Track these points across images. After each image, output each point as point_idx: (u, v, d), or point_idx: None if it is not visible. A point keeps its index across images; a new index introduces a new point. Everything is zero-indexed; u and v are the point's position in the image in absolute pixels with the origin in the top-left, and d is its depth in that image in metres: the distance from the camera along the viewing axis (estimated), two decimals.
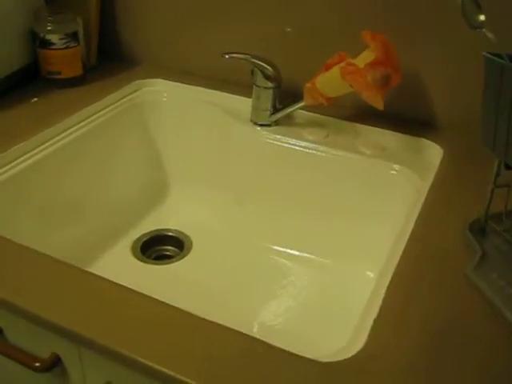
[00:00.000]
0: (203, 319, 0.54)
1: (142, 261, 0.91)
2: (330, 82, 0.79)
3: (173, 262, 0.91)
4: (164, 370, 0.49)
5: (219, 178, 0.97)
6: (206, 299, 0.81)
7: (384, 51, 0.75)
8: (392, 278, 0.59)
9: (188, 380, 0.48)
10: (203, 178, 0.98)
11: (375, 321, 0.54)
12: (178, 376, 0.49)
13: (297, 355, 0.50)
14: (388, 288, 0.58)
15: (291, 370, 0.49)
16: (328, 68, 0.80)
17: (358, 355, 0.50)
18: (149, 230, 0.96)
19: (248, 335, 0.52)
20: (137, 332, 0.53)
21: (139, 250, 0.92)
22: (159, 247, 0.95)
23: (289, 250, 0.91)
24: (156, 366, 0.50)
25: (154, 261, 0.92)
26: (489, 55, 0.54)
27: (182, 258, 0.91)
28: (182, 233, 0.96)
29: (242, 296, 0.85)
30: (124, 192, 0.96)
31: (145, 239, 0.94)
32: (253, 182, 0.93)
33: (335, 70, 0.77)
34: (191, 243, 0.94)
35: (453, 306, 0.56)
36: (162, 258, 0.93)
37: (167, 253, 0.94)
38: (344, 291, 0.84)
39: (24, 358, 0.61)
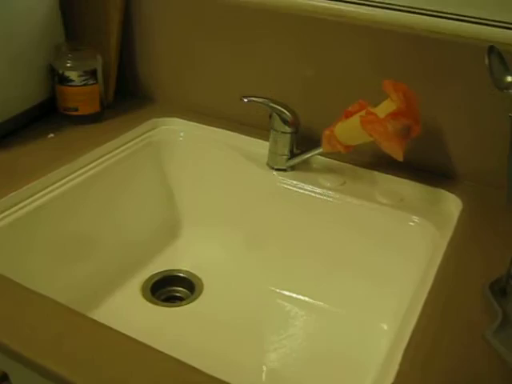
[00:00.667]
0: (210, 376, 0.52)
1: (151, 302, 0.89)
2: (349, 130, 0.79)
3: (183, 304, 0.89)
4: None
5: (232, 221, 0.96)
6: (215, 342, 0.80)
7: (406, 102, 0.74)
8: (411, 335, 0.57)
9: None
10: (216, 220, 0.97)
11: (398, 374, 0.52)
12: None
13: None
14: (408, 344, 0.56)
15: None
16: (348, 116, 0.79)
17: None
18: (159, 271, 0.94)
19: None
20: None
21: (149, 290, 0.91)
22: (170, 288, 0.93)
23: (300, 297, 0.90)
24: None
25: (163, 302, 0.90)
26: None
27: (192, 301, 0.89)
28: (193, 274, 0.94)
29: (251, 342, 0.83)
30: (136, 231, 0.95)
31: (155, 280, 0.93)
32: (266, 225, 0.92)
33: (355, 119, 0.77)
34: (202, 285, 0.92)
35: (473, 368, 0.54)
36: (171, 300, 0.92)
37: (177, 294, 0.93)
38: (356, 342, 0.82)
39: None
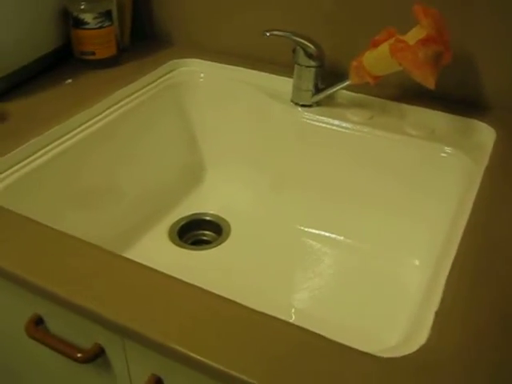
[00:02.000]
0: (253, 310, 0.51)
1: (179, 246, 0.88)
2: (378, 59, 0.76)
3: (211, 247, 0.88)
4: (213, 363, 0.47)
5: (257, 161, 0.94)
6: (243, 285, 0.79)
7: (436, 28, 0.71)
8: (452, 268, 0.56)
9: (239, 375, 0.46)
10: (241, 161, 0.96)
11: (437, 313, 0.50)
12: (229, 370, 0.46)
13: (356, 350, 0.47)
14: (448, 279, 0.54)
15: (352, 366, 0.46)
16: (375, 45, 0.76)
17: (421, 350, 0.47)
18: (186, 215, 0.93)
19: (304, 328, 0.50)
20: (184, 324, 0.51)
21: (176, 234, 0.90)
22: (197, 232, 0.92)
23: (329, 234, 0.88)
24: (205, 360, 0.47)
25: (191, 246, 0.90)
26: None
27: (220, 244, 0.88)
28: (220, 217, 0.93)
29: (280, 282, 0.82)
30: (160, 175, 0.94)
31: (182, 223, 0.92)
32: (292, 164, 0.90)
33: (384, 47, 0.74)
34: (229, 228, 0.91)
35: None
36: (199, 243, 0.91)
37: (205, 238, 0.92)
38: (388, 279, 0.81)
39: (65, 349, 0.59)
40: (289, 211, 0.91)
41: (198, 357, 0.47)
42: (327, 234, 0.88)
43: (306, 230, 0.89)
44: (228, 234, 0.90)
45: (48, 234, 0.61)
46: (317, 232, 0.89)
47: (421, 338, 0.49)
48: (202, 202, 0.96)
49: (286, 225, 0.90)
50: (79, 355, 0.58)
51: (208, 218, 0.93)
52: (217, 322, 0.51)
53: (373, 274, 0.82)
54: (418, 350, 0.47)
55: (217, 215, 0.94)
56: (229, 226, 0.92)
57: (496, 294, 0.53)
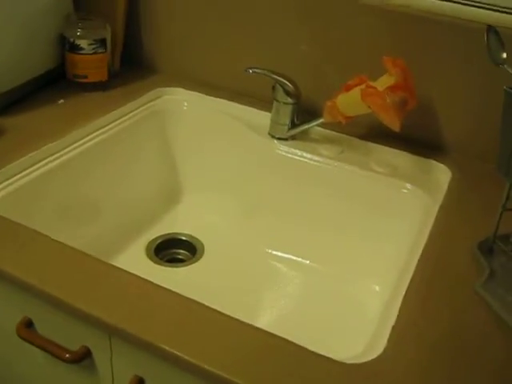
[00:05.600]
0: (228, 316, 0.58)
1: (156, 262, 0.94)
2: (350, 102, 0.84)
3: (185, 265, 0.94)
4: (193, 361, 0.53)
5: (233, 187, 1.00)
6: (214, 302, 0.84)
7: (403, 77, 0.79)
8: (406, 290, 0.63)
9: (216, 371, 0.52)
10: (217, 186, 1.02)
11: (393, 328, 0.58)
12: (206, 367, 0.52)
13: (323, 356, 0.54)
14: (404, 299, 0.62)
15: (319, 370, 0.53)
16: (348, 89, 0.84)
17: (379, 358, 0.54)
18: (162, 233, 0.99)
19: (275, 334, 0.56)
20: (168, 325, 0.57)
21: (153, 251, 0.95)
22: (172, 250, 0.98)
23: (296, 258, 0.95)
24: (185, 357, 0.53)
25: (166, 263, 0.95)
26: (509, 90, 0.58)
27: (194, 262, 0.94)
28: (194, 237, 0.99)
29: (248, 301, 0.88)
30: (140, 195, 1.00)
31: (159, 241, 0.97)
32: (265, 192, 0.97)
33: (356, 91, 0.82)
34: (203, 248, 0.97)
35: (464, 318, 0.60)
36: (174, 261, 0.97)
37: (179, 256, 0.98)
38: (349, 302, 0.88)
39: (54, 349, 0.64)
40: (259, 235, 0.97)
41: (184, 356, 0.53)
42: (294, 258, 0.95)
43: (275, 253, 0.96)
44: (202, 254, 0.96)
45: (46, 243, 0.67)
46: (285, 256, 0.95)
47: (378, 348, 0.56)
48: (178, 223, 1.01)
49: (256, 248, 0.96)
50: (67, 356, 0.63)
51: (183, 238, 0.99)
52: (198, 324, 0.57)
53: (336, 297, 0.89)
54: (375, 358, 0.54)
55: (191, 235, 0.99)
56: (202, 246, 0.98)
57: (446, 314, 0.61)
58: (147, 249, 0.96)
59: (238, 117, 0.99)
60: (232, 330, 0.56)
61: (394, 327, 0.58)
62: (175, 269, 0.94)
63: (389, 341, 0.56)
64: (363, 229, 0.89)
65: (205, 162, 1.03)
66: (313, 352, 0.55)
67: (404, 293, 0.63)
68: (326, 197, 0.92)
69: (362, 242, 0.90)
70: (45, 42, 0.96)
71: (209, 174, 1.03)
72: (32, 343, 0.65)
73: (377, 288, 0.88)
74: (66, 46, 0.96)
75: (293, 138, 0.94)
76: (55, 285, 0.61)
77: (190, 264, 0.94)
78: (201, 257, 0.96)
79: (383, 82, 0.81)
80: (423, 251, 0.70)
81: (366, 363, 0.54)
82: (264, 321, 0.85)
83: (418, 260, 0.68)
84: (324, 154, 0.91)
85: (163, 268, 0.93)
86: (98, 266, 0.64)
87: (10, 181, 0.78)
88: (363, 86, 0.81)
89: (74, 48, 0.96)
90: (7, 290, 0.66)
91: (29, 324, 0.67)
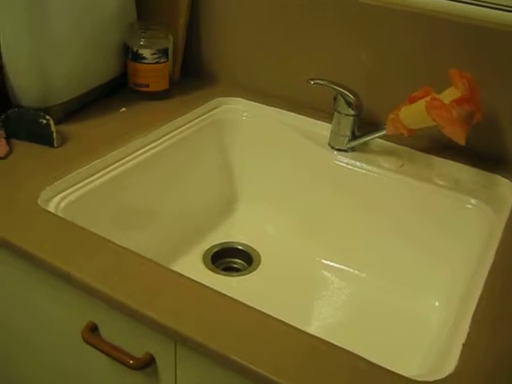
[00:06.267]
0: (297, 328, 0.58)
1: (212, 271, 0.94)
2: (413, 114, 0.83)
3: (241, 274, 0.95)
4: (261, 371, 0.53)
5: (289, 197, 1.00)
6: (268, 312, 0.85)
7: (469, 89, 0.78)
8: (476, 307, 0.62)
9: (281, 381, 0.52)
10: (273, 196, 1.02)
11: (464, 345, 0.56)
12: (275, 378, 0.52)
13: (393, 372, 0.53)
14: (474, 315, 0.60)
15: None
16: (412, 101, 0.83)
17: (450, 377, 0.53)
18: (219, 242, 1.00)
19: (344, 348, 0.56)
20: (234, 334, 0.57)
21: (210, 259, 0.96)
22: (228, 259, 0.99)
23: (352, 270, 0.94)
24: (251, 367, 0.53)
25: (223, 271, 0.96)
26: None
27: (251, 272, 0.94)
28: (251, 247, 0.99)
29: (303, 312, 0.88)
30: (198, 203, 1.01)
31: (215, 250, 0.98)
32: (323, 203, 0.97)
33: (420, 104, 0.81)
34: (259, 258, 0.97)
35: None
36: (229, 270, 0.97)
37: (235, 265, 0.98)
38: (405, 316, 0.86)
39: (119, 355, 0.65)
40: (315, 246, 0.97)
41: (249, 365, 0.53)
42: (351, 270, 0.94)
43: (331, 264, 0.95)
44: (258, 263, 0.96)
45: (113, 249, 0.68)
46: (341, 267, 0.95)
47: (449, 366, 0.55)
48: (234, 232, 1.02)
49: (312, 258, 0.96)
50: (131, 362, 0.64)
51: (240, 247, 0.99)
52: (265, 334, 0.57)
53: (391, 310, 0.88)
54: (447, 377, 0.53)
55: (247, 245, 1.00)
56: (259, 255, 0.98)
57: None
58: (204, 257, 0.96)
59: (297, 127, 0.99)
60: (301, 342, 0.56)
61: (464, 345, 0.57)
62: (231, 278, 0.94)
63: (460, 359, 0.55)
64: (424, 244, 0.88)
65: (262, 172, 1.03)
66: (376, 364, 0.54)
67: (473, 311, 0.61)
68: (385, 209, 0.91)
69: (422, 257, 0.88)
70: (108, 51, 0.98)
71: (266, 184, 1.03)
72: (97, 348, 0.66)
73: (436, 303, 0.87)
74: (129, 55, 0.98)
75: (353, 149, 0.93)
76: (122, 291, 0.61)
77: (247, 273, 0.94)
78: (257, 266, 0.96)
79: (449, 95, 0.79)
80: (491, 269, 0.68)
81: (436, 381, 0.53)
82: (320, 333, 0.84)
83: (486, 278, 0.67)
84: (384, 166, 0.90)
85: (220, 276, 0.94)
86: (164, 273, 0.65)
87: (74, 188, 0.80)
88: (428, 99, 0.80)
89: (137, 57, 0.97)
90: (74, 294, 0.67)
91: (93, 329, 0.68)
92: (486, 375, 0.54)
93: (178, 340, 0.59)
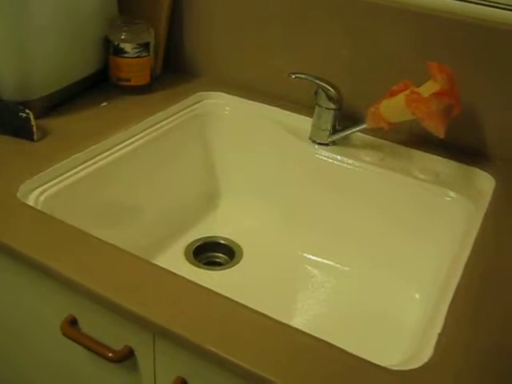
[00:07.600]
0: (275, 320, 0.58)
1: (194, 265, 0.94)
2: (393, 108, 0.83)
3: (224, 268, 0.95)
4: (240, 363, 0.53)
5: (271, 191, 1.00)
6: (250, 305, 0.85)
7: (449, 83, 0.79)
8: (453, 298, 0.62)
9: (265, 375, 0.52)
10: (255, 190, 1.02)
11: (440, 335, 0.57)
12: (255, 370, 0.52)
13: (371, 362, 0.54)
14: (450, 307, 0.61)
15: (361, 374, 0.53)
16: (393, 94, 0.84)
17: (425, 365, 0.54)
18: (201, 237, 1.00)
19: (324, 340, 0.56)
20: (213, 326, 0.57)
21: (192, 254, 0.96)
22: (210, 253, 0.99)
23: (334, 264, 0.94)
24: (230, 358, 0.53)
25: (205, 266, 0.96)
26: None
27: (233, 266, 0.95)
28: (233, 241, 0.99)
29: (284, 305, 0.88)
30: (180, 198, 1.00)
31: (197, 244, 0.98)
32: (304, 197, 0.97)
33: (400, 97, 0.81)
34: (241, 252, 0.97)
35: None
36: (212, 264, 0.97)
37: (217, 259, 0.98)
38: (388, 308, 0.87)
39: (98, 348, 0.65)
40: (297, 240, 0.97)
41: (229, 357, 0.53)
42: (333, 264, 0.94)
43: (313, 258, 0.95)
44: (240, 257, 0.96)
45: (92, 243, 0.68)
46: (323, 261, 0.95)
47: (425, 355, 0.55)
48: (217, 226, 1.02)
49: (294, 252, 0.96)
50: (111, 355, 0.64)
51: (222, 242, 1.00)
52: (243, 325, 0.57)
53: (373, 303, 0.88)
54: (422, 366, 0.54)
55: (229, 239, 1.00)
56: (241, 249, 0.98)
57: (496, 324, 0.60)
58: (186, 251, 0.96)
59: (279, 121, 0.99)
60: (280, 334, 0.57)
61: (440, 335, 0.57)
62: (213, 272, 0.94)
63: (435, 348, 0.55)
64: (403, 236, 0.89)
65: (244, 166, 1.03)
66: (355, 355, 0.54)
67: (449, 301, 0.62)
68: (366, 203, 0.91)
69: (401, 250, 0.89)
70: (88, 45, 0.97)
71: (248, 178, 1.03)
72: (76, 341, 0.66)
73: (416, 295, 0.87)
74: (110, 49, 0.97)
75: (334, 143, 0.93)
76: (102, 284, 0.61)
77: (228, 267, 0.94)
78: (239, 260, 0.96)
79: (428, 88, 0.80)
80: (468, 259, 0.69)
81: (412, 370, 0.53)
82: (302, 326, 0.85)
83: (464, 269, 0.67)
84: (365, 159, 0.90)
85: (202, 271, 0.94)
86: (144, 266, 0.65)
87: (53, 181, 0.79)
88: (408, 92, 0.81)
89: (118, 51, 0.97)
90: (53, 287, 0.67)
91: (73, 322, 0.67)
92: (460, 363, 0.54)
93: (157, 332, 0.59)
